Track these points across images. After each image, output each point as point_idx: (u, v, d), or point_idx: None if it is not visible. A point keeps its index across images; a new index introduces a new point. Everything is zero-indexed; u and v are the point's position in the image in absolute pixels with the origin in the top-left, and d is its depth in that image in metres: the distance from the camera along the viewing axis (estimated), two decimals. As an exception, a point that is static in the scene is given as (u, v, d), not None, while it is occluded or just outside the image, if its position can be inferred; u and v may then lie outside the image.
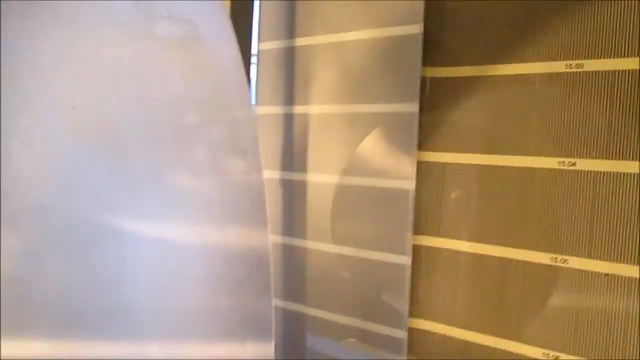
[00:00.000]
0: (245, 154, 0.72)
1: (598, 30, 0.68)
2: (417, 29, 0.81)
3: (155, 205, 0.63)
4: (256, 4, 0.97)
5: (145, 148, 0.65)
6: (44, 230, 0.61)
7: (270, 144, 0.97)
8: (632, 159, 0.66)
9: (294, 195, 0.96)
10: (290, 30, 0.95)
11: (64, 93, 0.60)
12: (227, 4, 0.98)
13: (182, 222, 0.63)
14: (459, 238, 0.78)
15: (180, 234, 0.63)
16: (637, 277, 0.65)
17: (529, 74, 0.73)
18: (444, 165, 0.80)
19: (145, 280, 0.64)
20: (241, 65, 0.69)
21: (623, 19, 0.67)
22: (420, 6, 0.81)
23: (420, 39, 0.81)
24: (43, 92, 0.60)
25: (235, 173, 0.72)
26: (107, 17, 0.57)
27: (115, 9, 0.57)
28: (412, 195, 0.82)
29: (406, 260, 0.82)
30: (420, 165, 0.81)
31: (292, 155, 0.96)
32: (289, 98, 0.96)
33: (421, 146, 0.81)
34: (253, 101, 0.98)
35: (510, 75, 0.74)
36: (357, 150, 0.88)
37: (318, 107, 0.93)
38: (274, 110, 0.97)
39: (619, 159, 0.67)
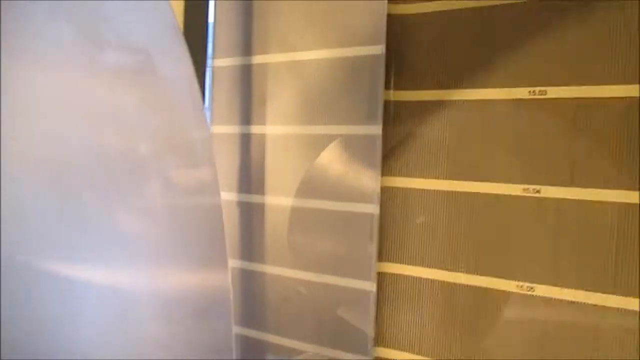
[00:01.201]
0: (203, 183, 0.69)
1: (560, 57, 0.68)
2: (379, 49, 0.79)
3: (106, 245, 0.59)
4: (211, 18, 0.93)
5: (96, 184, 0.60)
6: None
7: (226, 165, 0.93)
8: (596, 187, 0.66)
9: (251, 218, 0.92)
10: (246, 47, 0.91)
11: (5, 125, 0.55)
12: (180, 14, 0.93)
13: (136, 262, 0.59)
14: (424, 265, 0.77)
15: (134, 274, 0.59)
16: (603, 305, 0.65)
17: (493, 100, 0.72)
18: (408, 190, 0.78)
19: (94, 324, 0.59)
20: (198, 92, 0.66)
21: (585, 48, 0.67)
22: (382, 27, 0.79)
23: (382, 59, 0.79)
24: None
25: (192, 204, 0.69)
26: (50, 45, 0.52)
27: (59, 37, 0.52)
28: (376, 219, 0.80)
29: (370, 286, 0.80)
30: (384, 191, 0.79)
31: (250, 177, 0.92)
32: (246, 117, 0.92)
33: (384, 171, 0.79)
34: (208, 121, 0.94)
35: (474, 101, 0.74)
36: (318, 172, 0.86)
37: (277, 127, 0.89)
38: (230, 129, 0.93)
39: (583, 187, 0.67)
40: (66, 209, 0.59)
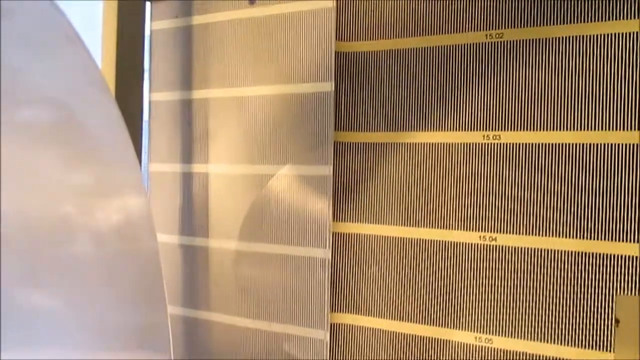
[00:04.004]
0: (138, 238, 0.63)
1: (514, 102, 0.66)
2: (328, 86, 0.75)
3: (26, 326, 0.52)
4: (147, 50, 0.87)
5: (14, 252, 0.53)
6: None
7: (167, 205, 0.87)
8: (551, 235, 0.64)
9: (194, 263, 0.87)
10: (187, 81, 0.85)
11: None
12: (114, 44, 0.86)
13: (61, 345, 0.52)
14: (377, 316, 0.73)
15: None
16: (561, 357, 0.63)
17: (447, 143, 0.70)
18: (359, 236, 0.75)
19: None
20: (127, 136, 0.60)
21: (538, 93, 0.65)
22: (330, 63, 0.75)
23: (332, 96, 0.75)
24: None
25: (125, 260, 0.63)
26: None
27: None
28: (328, 264, 0.76)
29: (323, 335, 0.76)
30: (335, 236, 0.75)
31: (193, 219, 0.86)
32: (187, 155, 0.86)
33: (336, 216, 0.75)
34: (145, 157, 0.88)
35: (427, 144, 0.71)
36: (265, 214, 0.81)
37: (220, 166, 0.84)
38: (170, 167, 0.87)
39: (538, 235, 0.65)
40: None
